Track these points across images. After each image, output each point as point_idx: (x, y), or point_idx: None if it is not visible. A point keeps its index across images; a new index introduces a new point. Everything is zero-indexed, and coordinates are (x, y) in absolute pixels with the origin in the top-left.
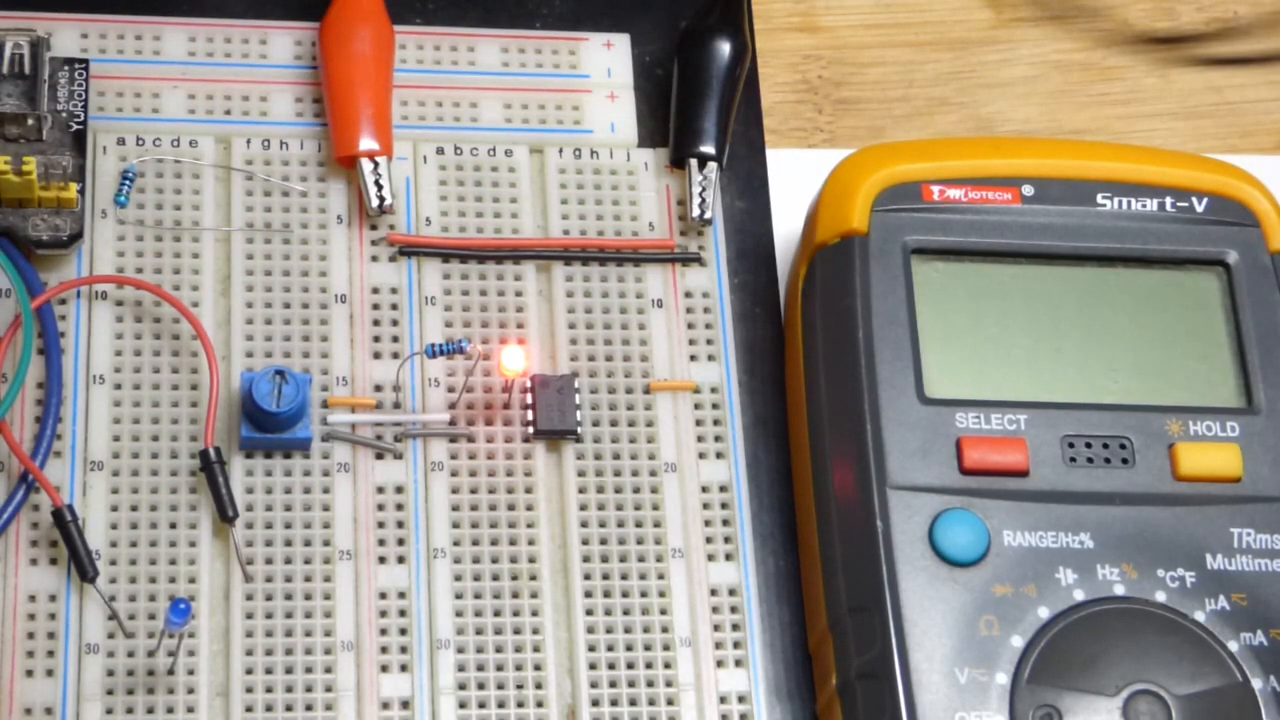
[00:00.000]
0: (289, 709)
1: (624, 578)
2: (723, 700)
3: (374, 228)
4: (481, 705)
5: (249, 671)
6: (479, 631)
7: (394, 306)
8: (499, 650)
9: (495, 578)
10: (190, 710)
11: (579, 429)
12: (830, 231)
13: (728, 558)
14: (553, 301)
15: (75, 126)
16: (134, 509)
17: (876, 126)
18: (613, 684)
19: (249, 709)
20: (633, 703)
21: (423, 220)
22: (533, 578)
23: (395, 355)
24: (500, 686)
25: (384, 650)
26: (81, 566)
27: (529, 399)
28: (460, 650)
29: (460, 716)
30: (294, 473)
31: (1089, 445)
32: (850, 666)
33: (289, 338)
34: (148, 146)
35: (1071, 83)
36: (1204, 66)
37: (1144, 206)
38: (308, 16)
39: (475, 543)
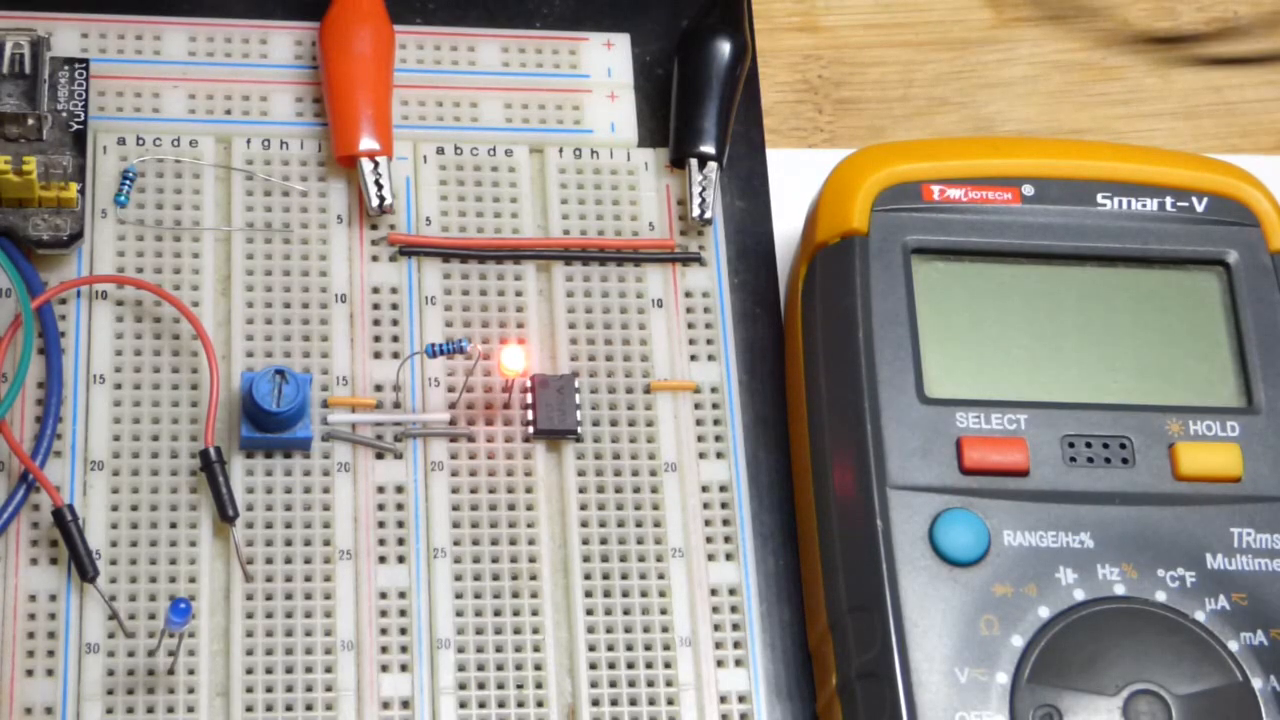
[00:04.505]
0: (289, 709)
1: (624, 578)
2: (723, 700)
3: (374, 227)
4: (481, 705)
5: (249, 671)
6: (479, 631)
7: (394, 306)
8: (499, 650)
9: (495, 578)
10: (190, 710)
11: (579, 429)
12: (830, 231)
13: (728, 557)
14: (553, 301)
15: (75, 126)
16: (134, 509)
17: (876, 126)
18: (613, 684)
19: (249, 709)
20: (633, 703)
21: (423, 220)
22: (533, 578)
23: (395, 355)
24: (500, 686)
25: (384, 650)
26: (81, 566)
27: (529, 399)
28: (460, 650)
29: (460, 716)
30: (294, 472)
31: (1089, 445)
32: (850, 666)
33: (289, 337)
34: (148, 146)
35: (1071, 83)
36: (1204, 66)
37: (1144, 206)
38: (308, 16)
39: (475, 543)
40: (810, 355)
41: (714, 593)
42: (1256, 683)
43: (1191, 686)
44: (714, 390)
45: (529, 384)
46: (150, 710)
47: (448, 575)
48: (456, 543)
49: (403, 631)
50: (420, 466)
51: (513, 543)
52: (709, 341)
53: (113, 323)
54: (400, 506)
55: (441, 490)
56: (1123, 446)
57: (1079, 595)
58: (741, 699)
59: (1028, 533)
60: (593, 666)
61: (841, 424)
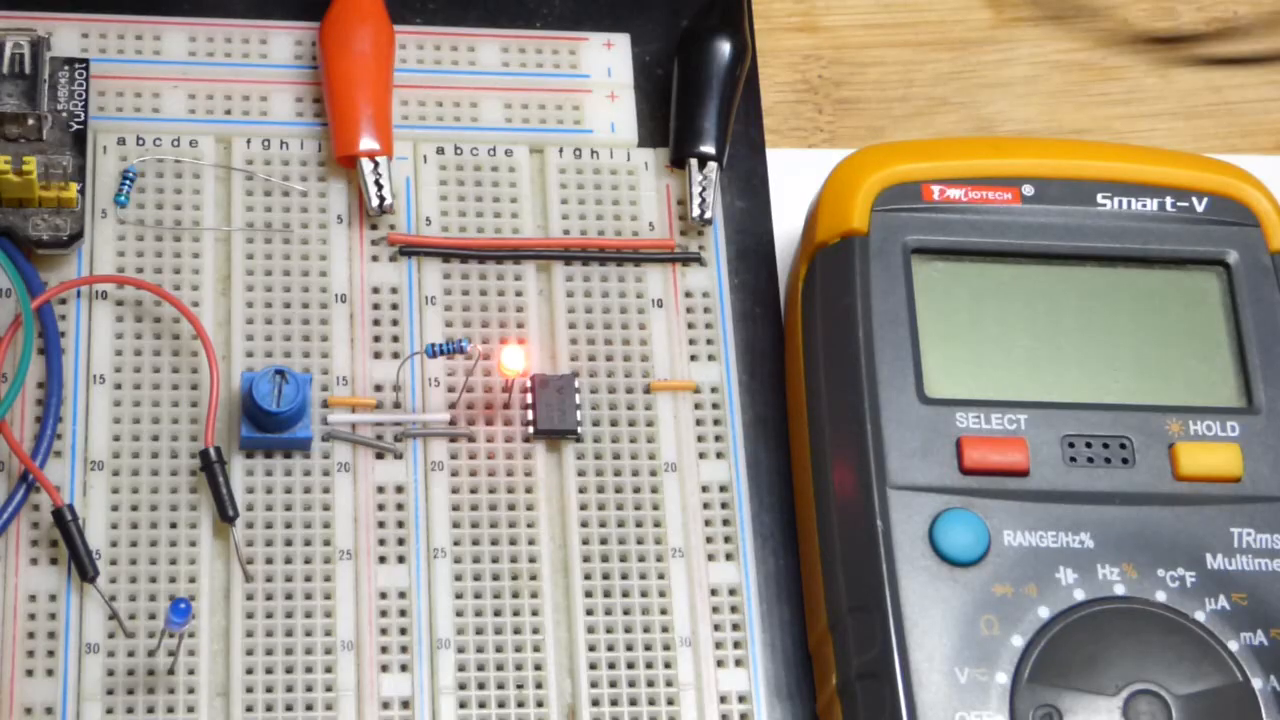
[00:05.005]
0: (289, 709)
1: (624, 578)
2: (723, 700)
3: (374, 227)
4: (481, 705)
5: (249, 671)
6: (479, 631)
7: (394, 306)
8: (499, 650)
9: (495, 578)
10: (190, 710)
11: (579, 429)
12: (830, 231)
13: (728, 558)
14: (553, 301)
15: (75, 126)
16: (134, 509)
17: (876, 126)
18: (613, 684)
19: (249, 709)
20: (633, 703)
21: (423, 220)
22: (533, 578)
23: (395, 355)
24: (500, 686)
25: (384, 650)
26: (82, 566)
27: (529, 399)
28: (460, 650)
29: (460, 716)
30: (294, 472)
31: (1089, 445)
32: (850, 666)
33: (289, 337)
34: (148, 146)
35: (1071, 83)
36: (1204, 66)
37: (1144, 206)
38: (308, 16)
39: (475, 543)
40: (810, 355)
41: (714, 593)
42: (1256, 683)
43: (1191, 686)
44: (714, 390)
45: (529, 384)
46: (150, 710)
47: (448, 575)
48: (456, 543)
49: (403, 631)
50: (420, 466)
51: (513, 543)
52: (709, 341)
53: (113, 323)
54: (400, 506)
55: (441, 490)
56: (1123, 446)
57: (1079, 595)
58: (741, 699)
59: (1028, 533)
60: (593, 666)
61: (841, 424)
